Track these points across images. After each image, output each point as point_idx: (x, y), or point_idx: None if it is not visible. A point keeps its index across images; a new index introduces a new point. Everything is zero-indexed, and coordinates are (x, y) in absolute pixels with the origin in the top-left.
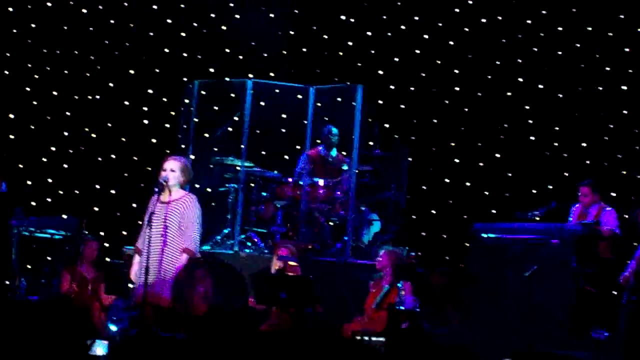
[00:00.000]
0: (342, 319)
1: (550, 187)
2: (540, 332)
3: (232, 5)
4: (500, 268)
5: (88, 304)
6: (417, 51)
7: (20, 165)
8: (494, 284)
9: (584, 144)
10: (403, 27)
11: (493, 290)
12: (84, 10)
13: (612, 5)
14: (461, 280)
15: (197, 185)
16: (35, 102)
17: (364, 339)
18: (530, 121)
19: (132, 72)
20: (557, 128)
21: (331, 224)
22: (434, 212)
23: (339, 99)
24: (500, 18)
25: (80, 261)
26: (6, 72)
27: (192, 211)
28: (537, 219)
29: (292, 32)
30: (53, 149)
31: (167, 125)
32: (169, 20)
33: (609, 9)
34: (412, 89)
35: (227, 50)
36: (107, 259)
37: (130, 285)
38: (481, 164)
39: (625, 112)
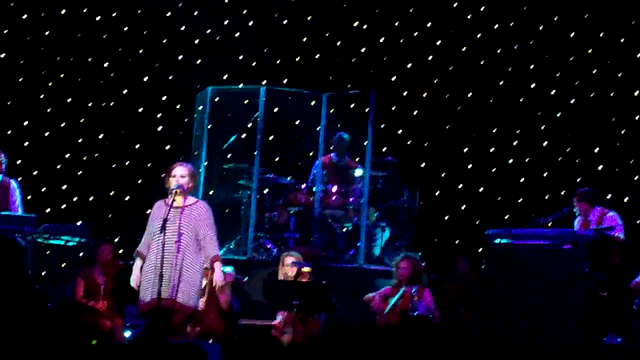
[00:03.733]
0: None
1: (563, 193)
2: (553, 337)
3: (245, 12)
4: (513, 273)
5: (101, 310)
6: (430, 57)
7: (35, 172)
8: (507, 289)
9: (596, 150)
10: (415, 33)
11: (506, 295)
12: (98, 18)
13: (624, 12)
14: (475, 285)
15: (210, 192)
16: (49, 109)
17: None
18: (543, 127)
19: (145, 79)
20: (569, 134)
21: (344, 230)
22: (446, 218)
23: (352, 106)
24: (512, 24)
25: (94, 266)
26: (20, 80)
27: (208, 217)
28: (550, 224)
29: (305, 39)
30: (67, 155)
31: (181, 132)
32: (182, 27)
33: (621, 15)
34: (425, 95)
35: (241, 57)
36: (121, 263)
37: (140, 291)
38: (494, 170)
39: (638, 117)
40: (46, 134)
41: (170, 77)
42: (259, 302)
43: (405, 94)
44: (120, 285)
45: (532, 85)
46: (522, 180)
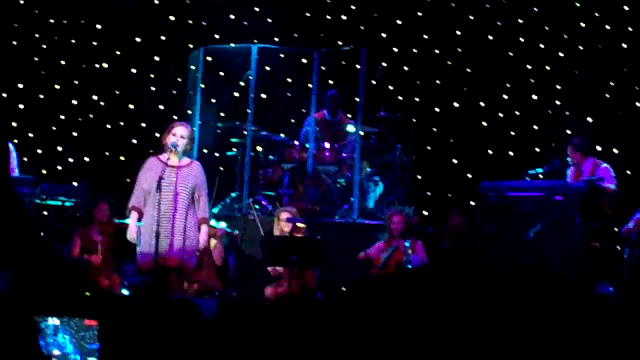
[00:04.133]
0: (351, 278)
1: (554, 145)
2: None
3: None
4: (507, 225)
5: (96, 264)
6: (420, 13)
7: (30, 134)
8: (501, 242)
9: (585, 101)
10: None
11: (500, 247)
12: None
13: None
14: (470, 238)
15: (205, 150)
16: (43, 72)
17: None
18: (532, 80)
19: (138, 40)
20: (558, 87)
21: (338, 185)
22: (439, 172)
23: (343, 62)
24: None
25: (92, 224)
26: (14, 43)
27: (203, 179)
28: (541, 176)
29: None
30: (62, 117)
31: (174, 92)
32: None
33: None
34: (415, 50)
35: (232, 17)
36: (116, 220)
37: (138, 249)
38: (485, 124)
39: (625, 69)
40: (40, 96)
41: (162, 38)
42: (254, 257)
43: (396, 49)
44: (117, 244)
45: (521, 39)
46: (513, 133)
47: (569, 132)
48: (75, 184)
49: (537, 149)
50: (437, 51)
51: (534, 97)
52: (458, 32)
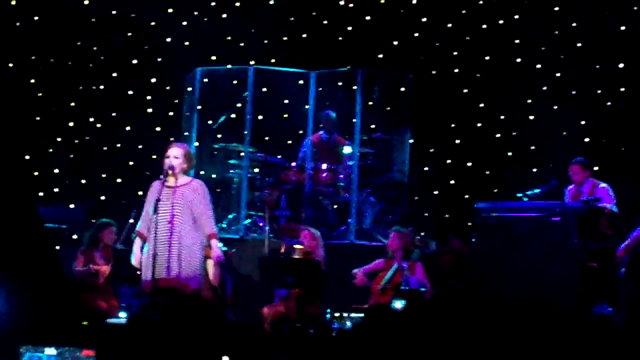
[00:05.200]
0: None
1: (551, 165)
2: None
3: None
4: (504, 246)
5: (97, 291)
6: (416, 34)
7: (27, 157)
8: (498, 262)
9: (582, 122)
10: (402, 10)
11: (497, 268)
12: (86, 2)
13: None
14: (467, 259)
15: (201, 172)
16: (40, 94)
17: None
18: (529, 100)
19: (134, 61)
20: (555, 107)
21: (335, 206)
22: (436, 192)
23: (340, 83)
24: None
25: (96, 246)
26: (11, 65)
27: (203, 195)
28: (538, 197)
29: (292, 18)
30: (59, 139)
31: (171, 114)
32: (170, 10)
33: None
34: (412, 72)
35: (228, 38)
36: (119, 246)
37: (138, 272)
38: (482, 144)
39: (623, 89)
40: (37, 118)
41: (159, 59)
42: (252, 278)
43: (392, 71)
44: (116, 267)
45: (518, 60)
46: (510, 153)
47: (566, 152)
48: (71, 206)
49: (534, 169)
50: (433, 72)
51: (531, 117)
52: (455, 53)
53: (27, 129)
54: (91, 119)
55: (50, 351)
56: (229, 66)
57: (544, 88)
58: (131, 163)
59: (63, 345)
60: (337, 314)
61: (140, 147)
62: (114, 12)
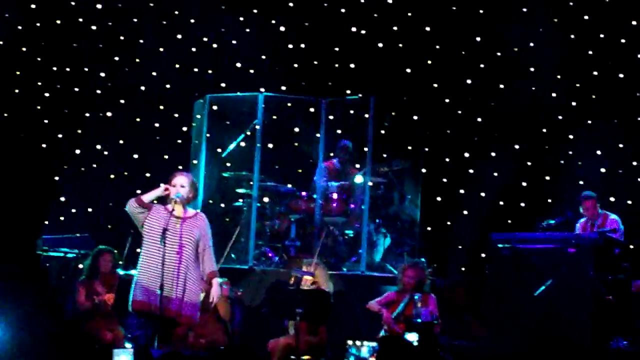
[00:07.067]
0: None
1: (566, 195)
2: (561, 342)
3: (242, 19)
4: (519, 278)
5: (102, 320)
6: (429, 62)
7: (34, 184)
8: (513, 294)
9: (598, 152)
10: (414, 38)
11: (512, 300)
12: (94, 27)
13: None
14: (481, 291)
15: (210, 201)
16: (46, 120)
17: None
18: (544, 130)
19: (142, 88)
20: (571, 137)
21: (345, 237)
22: (449, 223)
23: (351, 111)
24: (510, 28)
25: (96, 275)
26: (17, 91)
27: (208, 231)
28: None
29: (303, 45)
30: (65, 167)
31: (179, 141)
32: (179, 36)
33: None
34: (425, 100)
35: (239, 65)
36: (120, 272)
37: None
38: (495, 174)
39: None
40: (43, 145)
41: (167, 86)
42: (261, 311)
43: (405, 98)
44: (120, 297)
45: (532, 89)
46: (525, 184)
47: (581, 182)
48: (78, 235)
49: (549, 200)
50: (447, 100)
51: (546, 147)
52: (469, 81)
53: (33, 157)
54: (98, 147)
55: None
56: (238, 93)
57: (560, 117)
58: (138, 191)
59: None
60: (350, 342)
61: (147, 175)
62: (122, 37)
